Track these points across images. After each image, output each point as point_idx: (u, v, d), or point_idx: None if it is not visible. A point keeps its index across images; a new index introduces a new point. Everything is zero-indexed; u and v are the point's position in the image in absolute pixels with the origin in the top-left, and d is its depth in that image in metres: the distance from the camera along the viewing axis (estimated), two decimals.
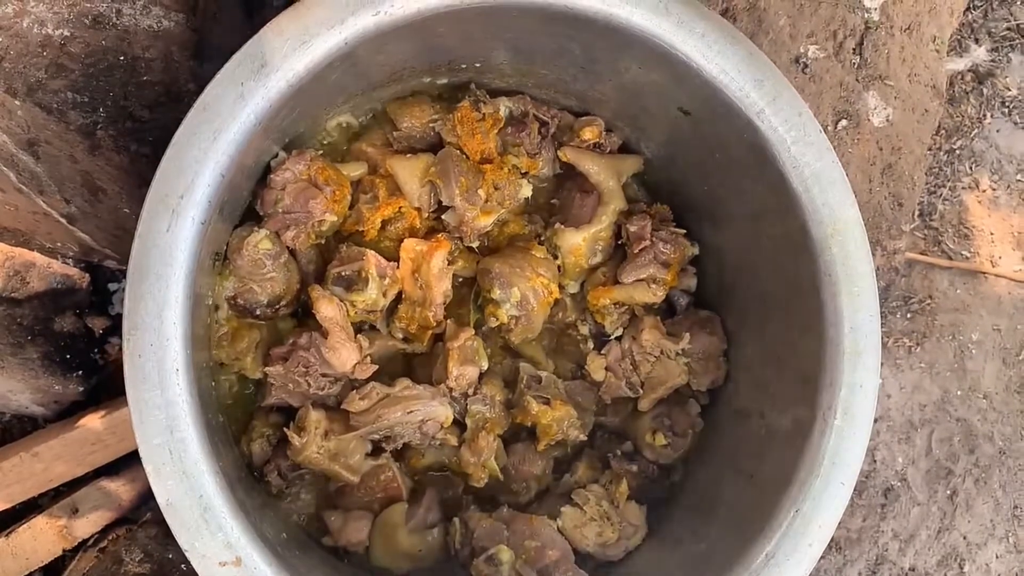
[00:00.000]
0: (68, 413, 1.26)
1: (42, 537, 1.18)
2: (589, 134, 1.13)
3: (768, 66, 0.96)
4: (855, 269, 0.95)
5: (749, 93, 0.95)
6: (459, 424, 1.08)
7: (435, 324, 1.07)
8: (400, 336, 1.10)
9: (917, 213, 1.72)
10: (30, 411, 1.23)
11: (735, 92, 0.95)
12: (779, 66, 0.96)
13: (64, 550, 1.20)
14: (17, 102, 0.96)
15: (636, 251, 1.11)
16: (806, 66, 1.32)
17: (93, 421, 1.18)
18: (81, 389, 1.22)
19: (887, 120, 1.37)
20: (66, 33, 0.98)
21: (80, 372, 1.21)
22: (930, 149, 1.71)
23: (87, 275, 1.22)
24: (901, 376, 1.70)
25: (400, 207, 1.08)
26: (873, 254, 1.38)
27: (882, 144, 1.38)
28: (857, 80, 1.35)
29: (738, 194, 1.07)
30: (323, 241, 1.08)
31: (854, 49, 1.35)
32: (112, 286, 1.28)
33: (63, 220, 1.09)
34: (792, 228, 0.98)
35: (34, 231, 1.15)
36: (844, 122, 1.35)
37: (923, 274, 1.74)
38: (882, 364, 1.64)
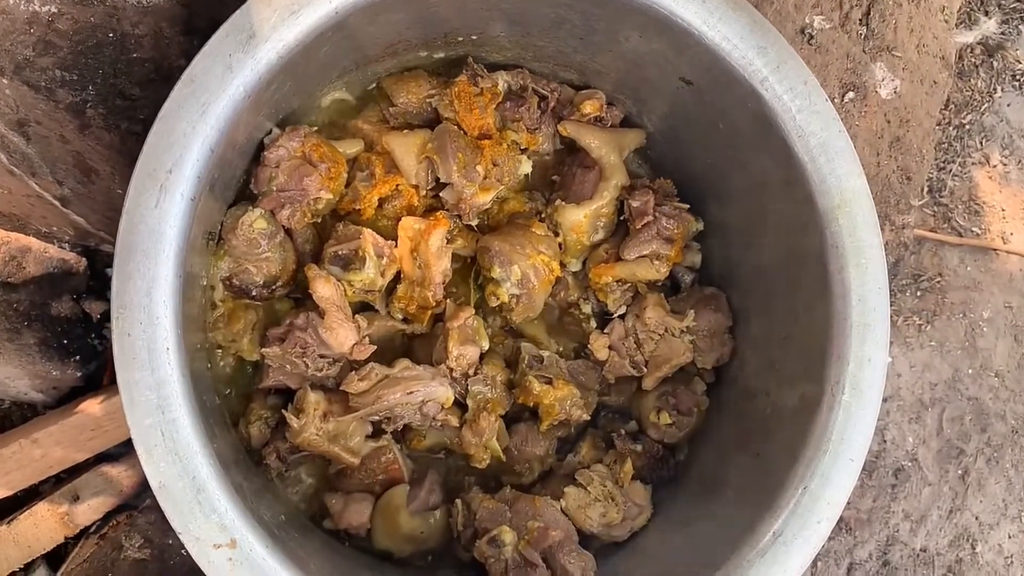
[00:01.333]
0: (67, 399, 1.25)
1: (43, 524, 1.18)
2: (590, 107, 1.11)
3: (772, 33, 0.94)
4: (863, 240, 0.93)
5: (753, 61, 0.93)
6: (460, 405, 1.07)
7: (435, 304, 1.06)
8: (399, 316, 1.08)
9: (926, 189, 1.70)
10: (29, 397, 1.23)
11: (738, 60, 0.93)
12: (784, 38, 0.94)
13: (66, 537, 1.20)
14: (4, 81, 0.94)
15: (639, 227, 1.09)
16: (812, 37, 1.30)
17: (92, 407, 1.17)
18: (79, 375, 1.21)
19: (895, 92, 1.34)
20: (54, 9, 0.96)
21: (78, 357, 1.20)
22: (939, 124, 1.68)
23: (84, 259, 1.21)
24: (911, 355, 1.68)
25: (397, 185, 1.06)
26: (881, 229, 1.35)
27: (890, 117, 1.35)
28: (864, 51, 1.32)
29: (743, 166, 1.05)
30: (319, 220, 1.07)
31: (861, 19, 1.32)
32: (110, 271, 1.27)
33: (56, 203, 1.08)
34: (798, 199, 0.96)
35: (29, 215, 1.14)
36: (851, 94, 1.33)
37: (933, 251, 1.71)
38: (892, 343, 1.63)
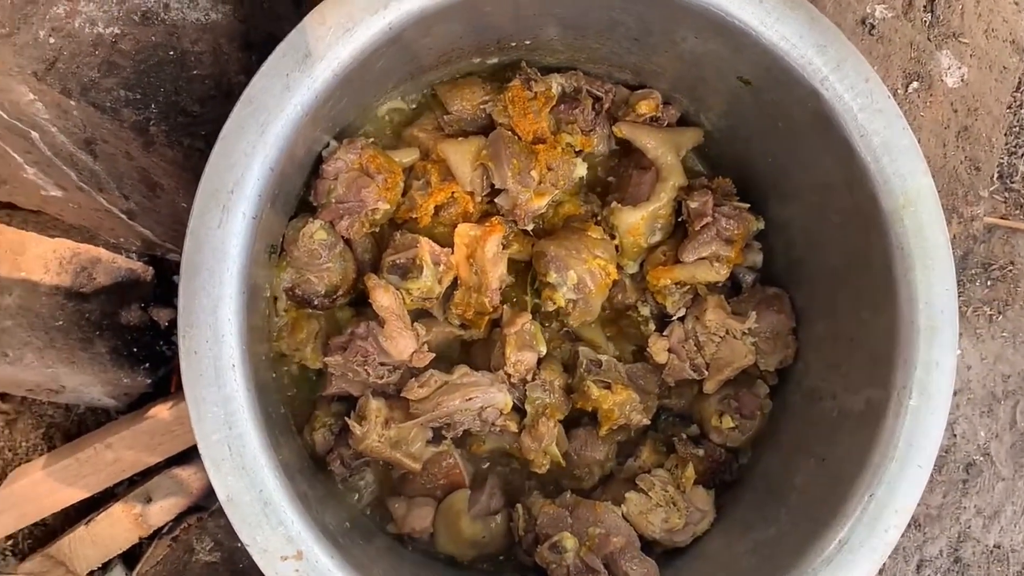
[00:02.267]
0: (138, 404, 1.28)
1: (119, 525, 1.22)
2: (645, 107, 1.09)
3: (831, 30, 0.91)
4: (929, 241, 0.91)
5: (812, 59, 0.91)
6: (519, 410, 1.07)
7: (491, 309, 1.06)
8: (457, 323, 1.09)
9: (996, 176, 1.64)
10: (102, 403, 1.26)
11: (797, 59, 0.91)
12: (844, 28, 0.92)
13: (140, 537, 1.23)
14: (72, 102, 0.97)
15: (697, 228, 1.08)
16: (873, 27, 1.26)
17: (162, 412, 1.20)
18: (149, 381, 1.24)
19: (962, 80, 1.30)
20: (116, 31, 0.98)
21: (147, 365, 1.23)
22: (1010, 108, 1.62)
23: (151, 268, 1.24)
24: (982, 346, 1.63)
25: (453, 192, 1.07)
26: (949, 222, 1.31)
27: (957, 106, 1.30)
28: (929, 39, 1.28)
29: (803, 165, 1.03)
30: (378, 229, 1.07)
31: (925, 6, 1.28)
32: (176, 278, 1.30)
33: (123, 216, 1.11)
34: (861, 200, 0.94)
35: (98, 227, 1.17)
36: (915, 84, 1.29)
37: (1004, 239, 1.66)
38: (961, 334, 1.59)
